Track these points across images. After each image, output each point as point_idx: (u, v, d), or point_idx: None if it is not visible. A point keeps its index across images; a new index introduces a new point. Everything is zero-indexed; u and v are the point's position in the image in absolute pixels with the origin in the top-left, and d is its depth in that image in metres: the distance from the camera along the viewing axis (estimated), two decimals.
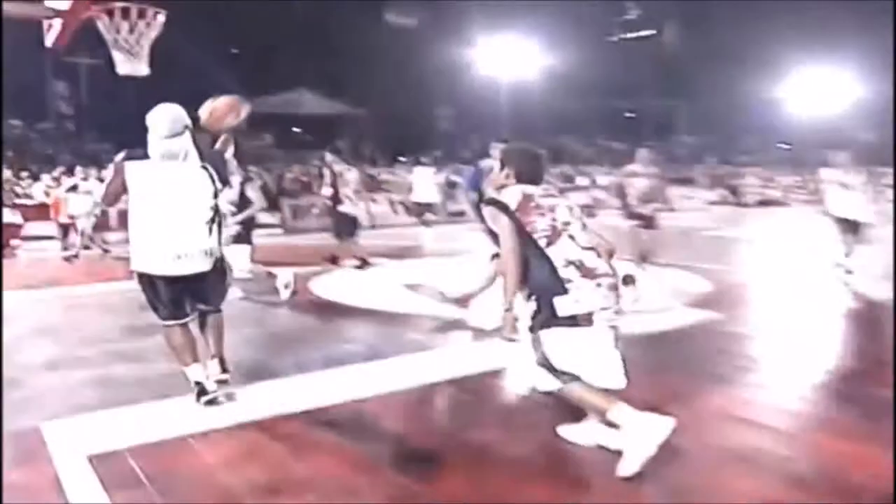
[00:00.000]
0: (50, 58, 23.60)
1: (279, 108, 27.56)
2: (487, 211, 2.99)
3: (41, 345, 5.10)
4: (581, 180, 21.54)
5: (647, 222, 7.54)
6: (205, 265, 3.54)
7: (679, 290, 6.98)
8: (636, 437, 2.74)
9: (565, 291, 2.80)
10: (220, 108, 4.05)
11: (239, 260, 6.43)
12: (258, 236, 12.52)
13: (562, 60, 30.09)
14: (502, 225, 2.91)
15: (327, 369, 4.34)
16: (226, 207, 6.29)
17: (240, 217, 6.43)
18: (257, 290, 7.10)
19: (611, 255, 3.00)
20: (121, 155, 3.58)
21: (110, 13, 5.14)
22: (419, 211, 12.98)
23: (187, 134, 3.53)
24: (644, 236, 7.48)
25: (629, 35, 36.13)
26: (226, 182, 3.64)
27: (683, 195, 18.29)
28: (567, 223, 2.93)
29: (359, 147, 26.42)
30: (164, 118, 3.50)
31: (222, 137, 4.04)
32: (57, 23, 5.45)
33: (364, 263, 8.93)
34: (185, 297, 3.62)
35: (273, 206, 15.24)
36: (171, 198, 3.46)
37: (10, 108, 24.86)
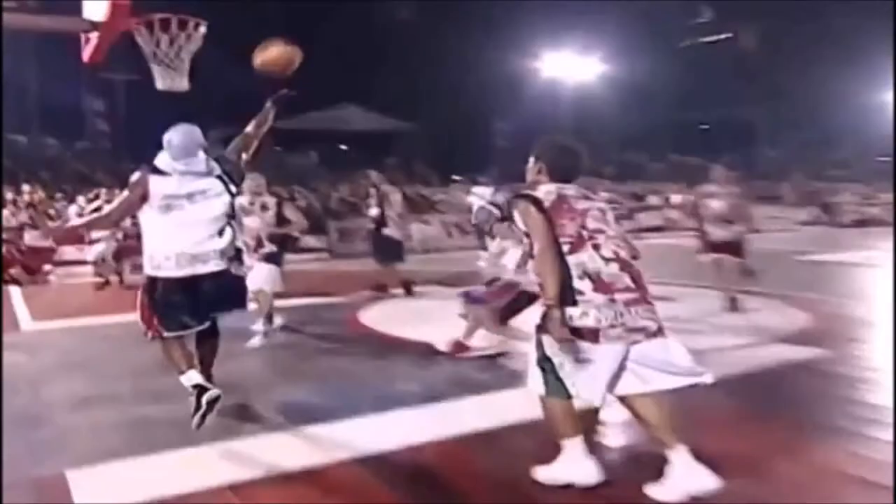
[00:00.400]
0: (87, 73, 24.62)
1: (325, 124, 28.02)
2: (519, 206, 3.00)
3: (69, 380, 5.12)
4: (652, 199, 21.14)
5: (733, 250, 7.24)
6: (219, 265, 3.82)
7: (773, 322, 6.64)
8: (677, 479, 2.87)
9: (574, 303, 2.86)
10: (272, 57, 4.55)
11: (268, 280, 6.40)
12: (303, 261, 12.86)
13: (627, 69, 29.81)
14: (535, 222, 2.94)
15: (379, 411, 4.22)
16: (264, 231, 6.40)
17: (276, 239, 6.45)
18: (300, 320, 7.08)
19: (633, 258, 3.03)
20: (137, 174, 3.91)
21: (149, 25, 5.21)
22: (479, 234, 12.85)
23: (201, 154, 3.92)
24: (730, 266, 7.24)
25: (702, 39, 35.60)
26: (239, 185, 4.06)
27: (769, 215, 17.73)
28: (597, 231, 2.96)
29: (410, 165, 26.61)
30: (177, 140, 3.88)
31: (242, 143, 4.39)
32: (94, 36, 5.55)
33: (409, 290, 8.84)
34: (198, 304, 3.84)
35: (319, 228, 15.40)
36: (188, 207, 3.80)
37: (45, 127, 25.99)
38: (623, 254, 2.98)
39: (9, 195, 14.34)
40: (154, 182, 3.82)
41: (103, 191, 12.21)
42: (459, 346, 5.62)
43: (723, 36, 35.05)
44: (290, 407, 4.29)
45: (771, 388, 4.67)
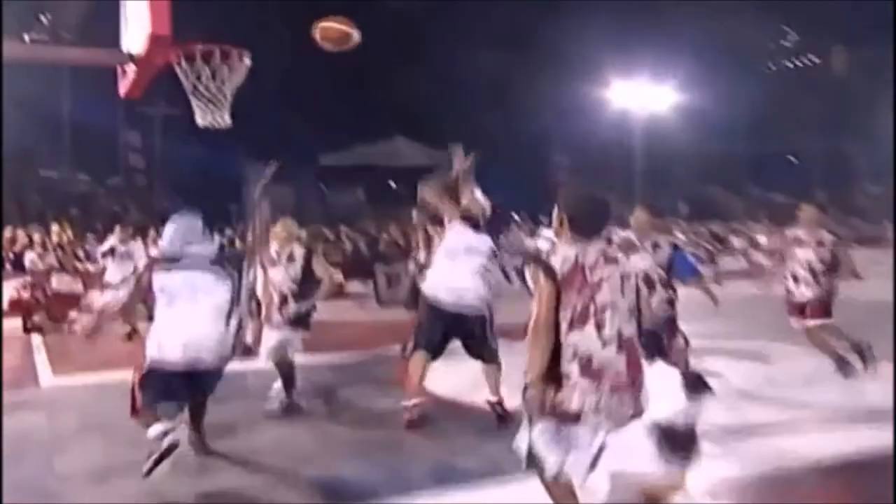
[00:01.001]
0: (122, 107, 25.53)
1: (373, 159, 28.38)
2: (531, 270, 3.21)
3: (88, 445, 5.08)
4: (736, 241, 20.63)
5: (821, 311, 6.89)
6: (216, 359, 4.36)
7: (880, 392, 6.18)
8: None
9: (559, 384, 2.99)
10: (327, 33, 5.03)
11: (291, 347, 6.23)
12: (347, 309, 12.83)
13: (705, 97, 29.49)
14: (541, 291, 3.04)
15: (435, 489, 4.07)
16: (287, 286, 6.16)
17: (303, 306, 6.22)
18: (339, 379, 6.98)
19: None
20: (143, 262, 4.52)
21: (190, 57, 5.28)
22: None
23: (203, 242, 4.50)
24: (827, 330, 6.89)
25: (787, 64, 35.12)
26: (241, 273, 4.54)
27: (871, 259, 17.05)
28: (607, 305, 3.02)
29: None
30: (175, 231, 4.49)
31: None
32: (131, 69, 5.65)
33: None
34: (186, 387, 4.39)
35: (366, 273, 15.42)
36: (190, 296, 4.32)
37: (78, 162, 26.92)
38: (628, 331, 3.05)
39: (36, 236, 14.70)
40: (156, 277, 4.40)
41: (117, 228, 11.86)
42: None
43: (810, 60, 34.55)
44: (327, 486, 4.15)
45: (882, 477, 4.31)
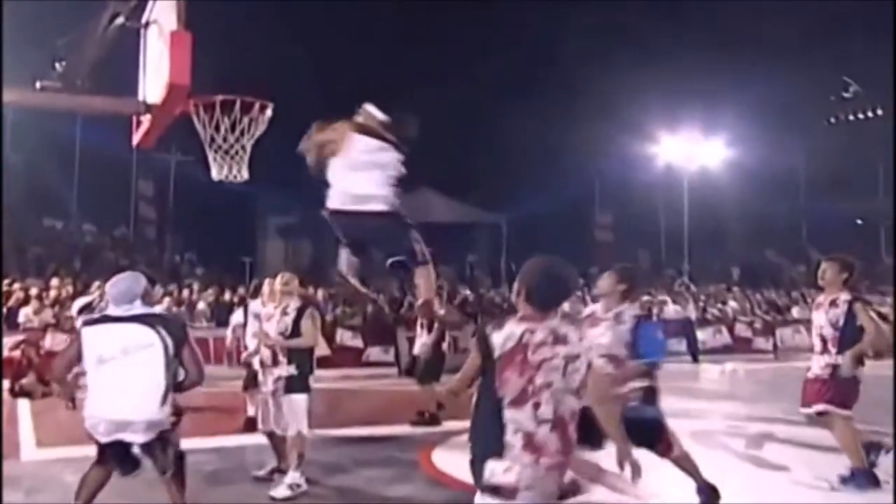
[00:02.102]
0: (135, 154, 26.03)
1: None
2: (472, 343, 3.33)
3: None
4: (796, 311, 20.32)
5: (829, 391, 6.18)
6: (146, 437, 4.43)
7: None
8: None
9: (500, 456, 3.14)
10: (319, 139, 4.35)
11: (294, 416, 6.21)
12: (365, 378, 12.77)
13: (759, 151, 29.49)
14: (470, 363, 3.30)
15: None
16: (275, 338, 6.30)
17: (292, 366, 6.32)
18: (353, 458, 6.85)
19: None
20: (79, 318, 4.83)
21: (209, 107, 5.39)
22: None
23: (138, 303, 4.56)
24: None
25: (849, 117, 35.03)
26: (178, 355, 4.54)
27: None
28: (545, 386, 3.16)
29: (493, 262, 26.69)
30: (115, 288, 4.62)
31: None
32: (146, 119, 5.79)
33: (433, 419, 8.48)
34: (127, 458, 4.53)
35: (387, 338, 15.35)
36: (121, 364, 4.41)
37: (85, 211, 27.40)
38: (562, 411, 3.20)
39: (33, 290, 14.70)
40: (86, 333, 4.54)
41: (96, 284, 11.93)
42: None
43: (874, 112, 34.43)
44: None
45: None
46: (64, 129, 24.26)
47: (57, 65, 5.44)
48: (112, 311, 4.63)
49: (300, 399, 6.23)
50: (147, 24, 5.61)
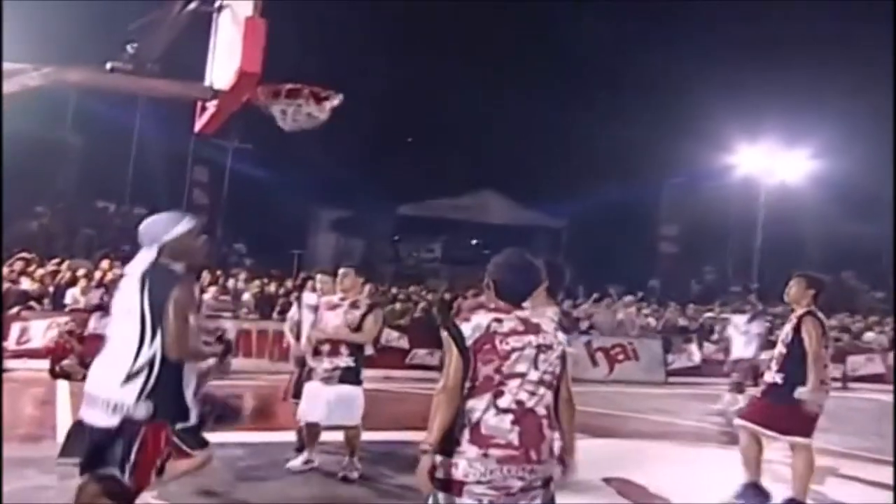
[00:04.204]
0: (192, 138, 26.64)
1: (456, 214, 28.77)
2: (444, 336, 3.33)
3: None
4: (872, 338, 19.91)
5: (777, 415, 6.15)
6: (107, 420, 3.75)
7: None
8: None
9: (448, 454, 3.20)
10: None
11: (350, 408, 6.53)
12: (410, 380, 12.90)
13: (844, 165, 28.83)
14: (450, 358, 3.28)
15: None
16: (342, 332, 6.57)
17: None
18: (395, 464, 6.96)
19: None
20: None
21: (276, 95, 5.62)
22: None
23: (153, 250, 3.90)
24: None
25: None
26: (155, 329, 3.78)
27: None
28: (514, 375, 3.22)
29: (556, 271, 26.61)
30: (141, 227, 4.01)
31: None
32: (211, 105, 6.03)
33: None
34: (84, 442, 3.87)
35: (434, 341, 15.45)
36: (112, 329, 3.96)
37: (139, 196, 28.13)
38: (532, 402, 3.24)
39: (81, 271, 15.11)
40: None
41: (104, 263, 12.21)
42: None
43: None
44: None
45: None
46: (124, 113, 24.97)
47: (128, 47, 5.70)
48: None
49: (356, 391, 6.56)
50: (220, 9, 5.86)
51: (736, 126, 27.59)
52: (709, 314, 19.27)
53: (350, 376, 6.55)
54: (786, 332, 6.11)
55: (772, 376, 6.10)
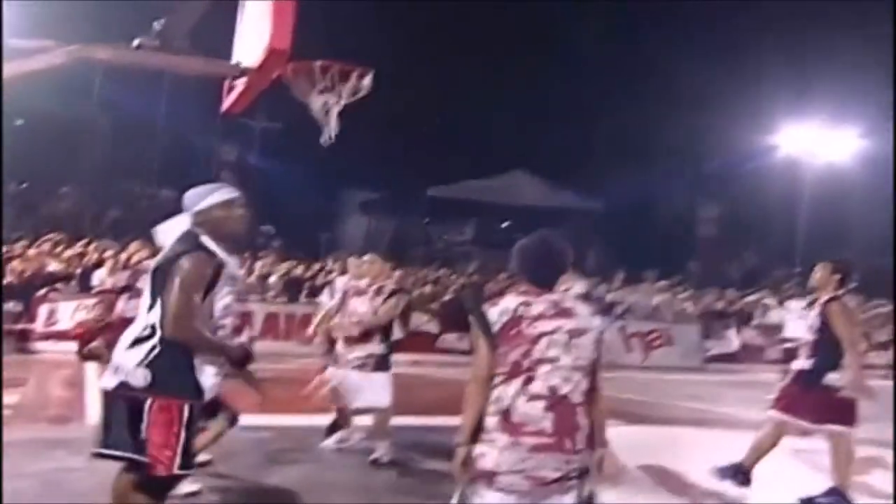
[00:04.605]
0: (220, 117, 26.79)
1: (488, 195, 28.70)
2: (472, 322, 3.34)
3: None
4: None
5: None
6: (109, 381, 3.72)
7: None
8: None
9: (479, 439, 3.21)
10: None
11: (382, 392, 6.66)
12: (437, 364, 12.94)
13: (892, 146, 28.33)
14: (479, 347, 3.29)
15: None
16: (362, 316, 6.73)
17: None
18: (422, 451, 6.99)
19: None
20: None
21: (307, 72, 5.65)
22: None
23: (184, 220, 3.84)
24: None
25: None
26: (155, 296, 3.71)
27: None
28: (544, 360, 3.19)
29: (585, 252, 26.60)
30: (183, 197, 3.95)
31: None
32: (240, 83, 6.08)
33: None
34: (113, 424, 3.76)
35: (465, 325, 15.48)
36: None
37: (166, 177, 28.39)
38: (566, 389, 3.20)
39: (109, 252, 15.29)
40: None
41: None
42: None
43: None
44: None
45: None
46: (150, 93, 25.16)
47: (155, 24, 5.76)
48: None
49: (385, 376, 6.74)
50: None
51: (779, 104, 27.21)
52: (751, 297, 19.15)
53: (380, 363, 6.73)
54: (812, 319, 6.12)
55: (801, 363, 6.11)
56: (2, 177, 16.98)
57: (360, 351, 6.71)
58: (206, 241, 3.76)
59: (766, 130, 27.95)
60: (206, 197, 3.89)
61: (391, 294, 6.84)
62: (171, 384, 3.66)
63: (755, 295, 19.28)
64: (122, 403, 3.68)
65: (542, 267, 3.42)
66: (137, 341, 3.69)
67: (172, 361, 3.65)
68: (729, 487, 6.20)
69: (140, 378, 3.63)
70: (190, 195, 3.91)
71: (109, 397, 3.75)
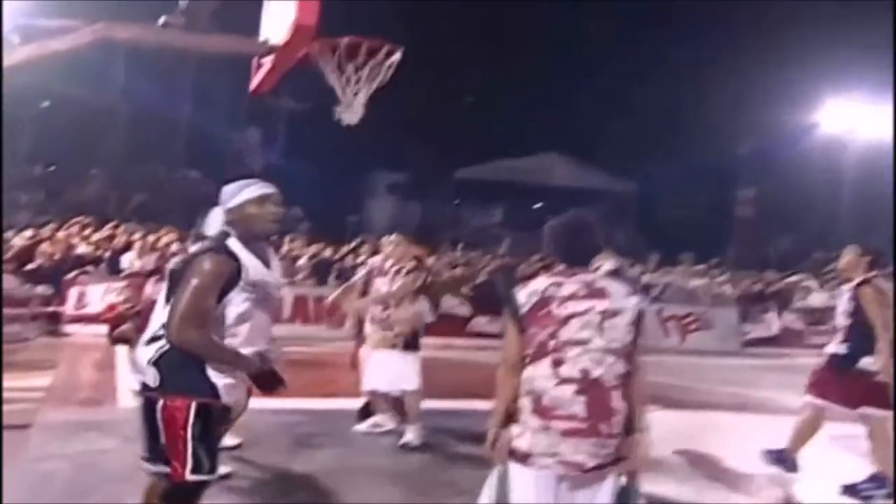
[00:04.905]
0: (245, 99, 26.93)
1: (519, 176, 28.61)
2: (503, 308, 3.35)
3: None
4: None
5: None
6: (133, 382, 3.55)
7: None
8: None
9: (515, 420, 3.22)
10: None
11: (409, 374, 6.71)
12: (473, 349, 12.95)
13: None
14: (508, 329, 3.31)
15: None
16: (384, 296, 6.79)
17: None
18: (452, 434, 6.99)
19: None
20: None
21: (334, 49, 5.64)
22: None
23: (216, 216, 3.65)
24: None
25: None
26: (170, 295, 3.53)
27: None
28: (573, 342, 3.17)
29: (617, 234, 26.43)
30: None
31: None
32: (267, 61, 6.09)
33: None
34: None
35: (496, 308, 15.49)
36: None
37: (192, 158, 28.58)
38: (599, 372, 3.16)
39: (136, 235, 15.47)
40: None
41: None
42: None
43: None
44: None
45: None
46: (175, 74, 25.29)
47: (181, 2, 5.77)
48: None
49: (413, 356, 6.76)
50: None
51: (819, 80, 26.80)
52: (792, 279, 18.99)
53: (411, 342, 6.76)
54: (844, 303, 6.11)
55: (834, 347, 6.09)
56: (1, 164, 17.17)
57: (386, 333, 6.75)
58: (233, 242, 3.56)
59: (806, 108, 27.58)
60: (239, 192, 3.67)
61: (409, 271, 6.90)
62: (179, 383, 3.46)
63: (796, 277, 19.11)
64: (143, 406, 3.52)
65: (575, 246, 3.39)
66: (153, 339, 3.53)
67: (180, 359, 3.44)
68: (767, 472, 6.16)
69: (151, 377, 3.47)
70: (225, 190, 3.72)
71: (138, 400, 3.58)
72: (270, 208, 3.68)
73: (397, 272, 6.87)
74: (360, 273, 7.69)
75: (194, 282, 3.41)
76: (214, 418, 3.51)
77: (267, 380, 3.64)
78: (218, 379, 3.48)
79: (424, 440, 6.70)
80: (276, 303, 3.74)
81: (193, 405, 3.43)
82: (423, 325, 7.02)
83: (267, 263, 3.63)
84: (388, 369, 6.71)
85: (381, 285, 6.91)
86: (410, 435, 6.68)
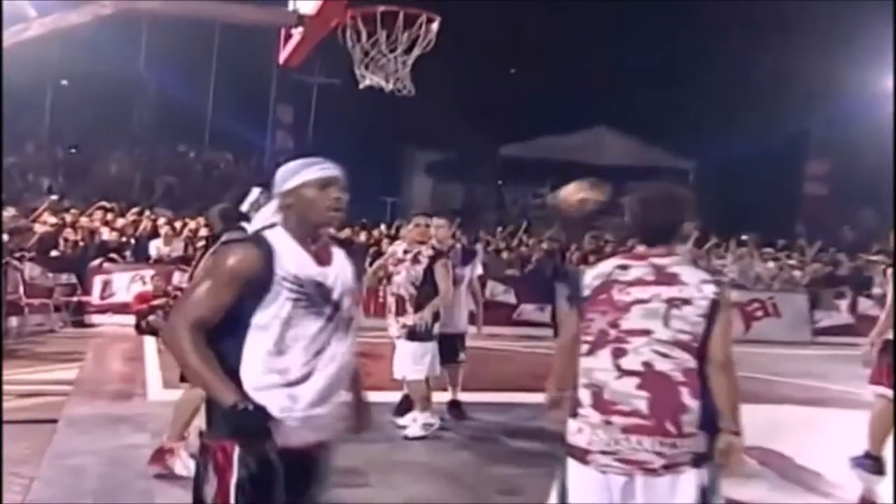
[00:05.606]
0: (275, 76, 27.08)
1: (568, 154, 28.44)
2: (557, 288, 3.46)
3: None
4: None
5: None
6: None
7: None
8: None
9: (574, 414, 3.16)
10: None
11: (417, 363, 6.77)
12: (519, 338, 12.93)
13: None
14: (565, 314, 3.45)
15: None
16: (405, 290, 6.83)
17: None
18: (498, 429, 7.00)
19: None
20: None
21: (368, 19, 5.63)
22: None
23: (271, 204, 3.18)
24: None
25: None
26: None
27: None
28: (635, 332, 3.09)
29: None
30: None
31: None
32: (297, 32, 6.11)
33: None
34: None
35: (545, 294, 15.34)
36: None
37: (220, 139, 28.76)
38: (665, 366, 3.07)
39: (162, 220, 15.57)
40: None
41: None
42: None
43: None
44: None
45: None
46: (200, 49, 25.46)
47: None
48: None
49: (423, 346, 6.78)
50: None
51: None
52: (873, 258, 18.66)
53: (421, 332, 6.77)
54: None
55: (891, 333, 6.06)
56: (2, 149, 17.39)
57: (404, 321, 6.81)
58: (275, 234, 2.99)
59: (883, 73, 27.05)
60: (298, 172, 3.08)
61: (431, 261, 6.87)
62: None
63: (873, 258, 18.79)
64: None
65: (648, 222, 3.29)
66: None
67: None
68: (845, 471, 6.08)
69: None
70: (280, 172, 3.13)
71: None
72: (333, 193, 3.10)
73: (414, 259, 6.89)
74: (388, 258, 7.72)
75: (204, 269, 3.05)
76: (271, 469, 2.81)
77: (252, 435, 2.75)
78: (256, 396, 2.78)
79: (424, 432, 6.72)
80: (345, 322, 3.00)
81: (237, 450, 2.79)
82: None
83: (323, 261, 3.01)
84: (403, 358, 6.83)
85: (398, 277, 6.96)
86: (410, 425, 6.76)
